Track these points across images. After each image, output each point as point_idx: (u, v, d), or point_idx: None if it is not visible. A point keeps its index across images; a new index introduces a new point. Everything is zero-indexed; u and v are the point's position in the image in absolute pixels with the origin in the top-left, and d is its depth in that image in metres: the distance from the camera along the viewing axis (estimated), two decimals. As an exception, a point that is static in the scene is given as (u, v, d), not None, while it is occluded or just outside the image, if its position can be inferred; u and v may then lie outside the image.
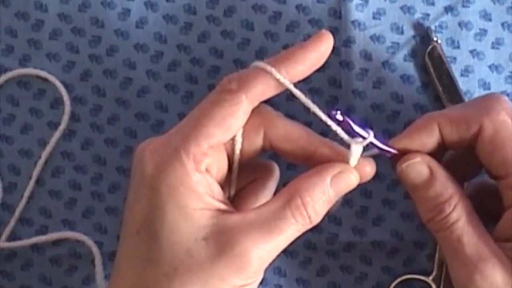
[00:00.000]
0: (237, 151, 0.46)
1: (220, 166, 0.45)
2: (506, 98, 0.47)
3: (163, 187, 0.43)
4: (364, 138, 0.45)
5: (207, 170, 0.44)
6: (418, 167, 0.46)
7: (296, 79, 0.45)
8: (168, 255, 0.42)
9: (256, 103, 0.45)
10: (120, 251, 0.45)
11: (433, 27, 0.54)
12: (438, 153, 0.47)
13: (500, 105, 0.46)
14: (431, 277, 0.53)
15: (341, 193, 0.45)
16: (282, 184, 0.54)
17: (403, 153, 0.47)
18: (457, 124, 0.46)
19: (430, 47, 0.54)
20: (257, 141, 0.46)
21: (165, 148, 0.44)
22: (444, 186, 0.46)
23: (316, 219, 0.44)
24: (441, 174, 0.46)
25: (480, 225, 0.45)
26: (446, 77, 0.54)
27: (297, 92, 0.45)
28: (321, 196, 0.44)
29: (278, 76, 0.44)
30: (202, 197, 0.43)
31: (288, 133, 0.46)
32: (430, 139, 0.46)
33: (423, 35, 0.55)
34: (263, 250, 0.43)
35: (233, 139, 0.46)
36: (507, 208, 0.45)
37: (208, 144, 0.43)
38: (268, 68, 0.44)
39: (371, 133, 0.45)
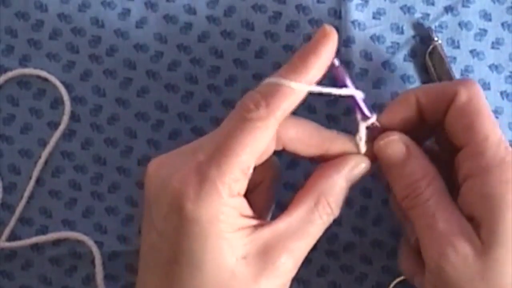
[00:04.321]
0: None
1: (245, 182, 0.46)
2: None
3: (203, 218, 0.43)
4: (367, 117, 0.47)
5: (238, 193, 0.44)
6: (395, 145, 0.47)
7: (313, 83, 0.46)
8: (212, 281, 0.43)
9: (281, 120, 0.45)
10: (147, 282, 0.45)
11: (433, 27, 0.55)
12: (419, 130, 0.48)
13: (474, 82, 0.47)
14: None
15: (355, 181, 0.47)
16: (282, 183, 0.54)
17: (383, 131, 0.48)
18: (434, 94, 0.47)
19: (431, 47, 0.54)
20: (271, 145, 0.46)
21: (199, 178, 0.43)
22: (419, 164, 0.47)
23: (338, 211, 0.47)
24: (416, 152, 0.47)
25: (452, 202, 0.46)
26: (446, 77, 0.54)
27: (319, 89, 0.45)
28: (342, 192, 0.46)
29: (300, 86, 0.44)
30: (237, 219, 0.44)
31: (300, 134, 0.47)
32: (408, 112, 0.48)
33: (423, 35, 0.55)
34: (299, 257, 0.45)
35: None
36: (462, 182, 0.46)
37: (241, 172, 0.44)
38: (290, 83, 0.44)
39: (375, 115, 0.48)
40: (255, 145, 0.44)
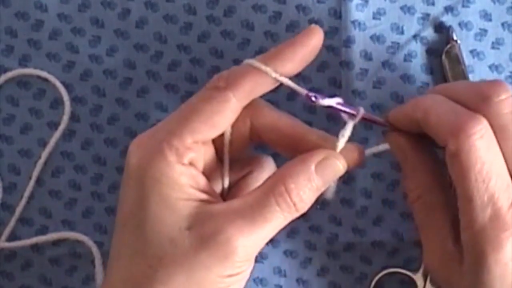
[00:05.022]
0: (227, 144, 0.46)
1: (207, 159, 0.46)
2: (507, 87, 0.44)
3: (146, 179, 0.43)
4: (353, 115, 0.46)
5: (191, 163, 0.44)
6: (396, 144, 0.47)
7: (287, 76, 0.45)
8: (153, 246, 0.43)
9: (246, 101, 0.45)
10: (112, 245, 0.45)
11: (433, 27, 0.55)
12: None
13: (475, 124, 0.43)
14: (418, 273, 0.53)
15: (329, 180, 0.44)
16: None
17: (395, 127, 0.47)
18: (432, 130, 0.45)
19: (448, 46, 0.54)
20: (245, 131, 0.46)
21: (150, 141, 0.44)
22: (414, 174, 0.47)
23: (302, 206, 0.43)
24: (413, 160, 0.47)
25: (439, 220, 0.46)
26: (461, 78, 0.53)
27: (287, 81, 0.45)
28: (306, 183, 0.43)
29: (266, 69, 0.44)
30: (185, 187, 0.43)
31: (275, 122, 0.46)
32: (411, 125, 0.46)
33: (422, 35, 0.55)
34: (248, 238, 0.42)
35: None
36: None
37: (192, 139, 0.43)
38: (257, 63, 0.44)
39: (361, 109, 0.46)
40: (210, 114, 0.44)
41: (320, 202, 0.46)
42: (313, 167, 0.44)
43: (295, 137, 0.46)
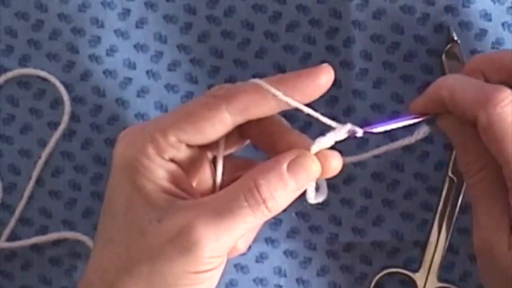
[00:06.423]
0: (221, 151, 0.45)
1: (196, 162, 0.45)
2: None
3: (126, 168, 0.43)
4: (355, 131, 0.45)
5: (172, 160, 0.44)
6: (456, 124, 0.47)
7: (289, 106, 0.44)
8: (123, 234, 0.43)
9: (240, 118, 0.43)
10: (97, 233, 0.46)
11: (433, 27, 0.55)
12: None
13: (501, 94, 0.45)
14: (418, 273, 0.53)
15: (302, 181, 0.43)
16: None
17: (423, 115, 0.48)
18: (459, 106, 0.46)
19: (448, 46, 0.54)
20: (231, 139, 0.46)
21: (137, 133, 0.44)
22: (473, 147, 0.47)
23: (273, 206, 0.42)
24: (471, 135, 0.46)
25: (500, 192, 0.46)
26: None
27: (291, 101, 0.43)
28: (277, 181, 0.42)
29: (268, 88, 0.43)
30: (161, 180, 0.43)
31: (258, 117, 0.45)
32: (438, 107, 0.47)
33: (423, 35, 0.55)
34: (213, 233, 0.41)
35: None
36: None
37: (176, 137, 0.43)
38: (260, 82, 0.43)
39: (348, 125, 0.45)
40: (198, 119, 0.43)
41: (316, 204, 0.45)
42: (285, 165, 0.43)
43: (276, 135, 0.45)
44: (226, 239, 0.42)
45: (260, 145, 0.46)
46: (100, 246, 0.44)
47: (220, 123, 0.43)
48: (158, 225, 0.42)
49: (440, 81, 0.47)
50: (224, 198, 0.42)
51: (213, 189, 0.46)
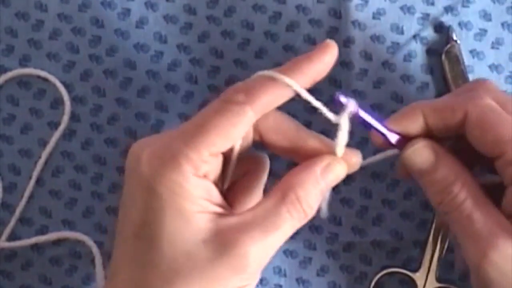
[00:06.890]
0: (235, 152, 0.46)
1: (216, 168, 0.45)
2: (492, 81, 0.47)
3: (162, 190, 0.42)
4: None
5: (205, 175, 0.44)
6: (423, 152, 0.46)
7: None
8: (167, 258, 0.42)
9: (262, 114, 0.45)
10: (117, 254, 0.45)
11: (433, 27, 0.55)
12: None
13: (483, 89, 0.46)
14: (418, 273, 0.53)
15: (331, 184, 0.45)
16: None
17: (403, 136, 0.47)
18: (442, 113, 0.46)
19: (448, 46, 0.54)
20: (249, 134, 0.46)
21: (165, 152, 0.43)
22: (450, 167, 0.45)
23: (311, 212, 0.44)
24: (445, 156, 0.46)
25: (489, 202, 0.45)
26: (461, 77, 0.53)
27: (306, 95, 0.45)
28: (313, 190, 0.44)
29: (287, 80, 0.44)
30: (199, 200, 0.43)
31: (278, 125, 0.46)
32: (414, 125, 0.46)
33: (422, 35, 0.55)
34: (261, 249, 0.43)
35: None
36: (508, 186, 0.45)
37: (208, 152, 0.43)
38: (278, 75, 0.44)
39: (353, 103, 0.45)
40: (228, 128, 0.43)
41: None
42: (319, 173, 0.45)
43: (297, 140, 0.46)
44: (270, 252, 0.44)
45: (278, 150, 0.47)
46: (136, 271, 0.43)
47: (247, 125, 0.44)
48: (205, 246, 0.42)
49: (414, 103, 0.47)
50: (268, 213, 0.43)
51: (222, 186, 0.47)
